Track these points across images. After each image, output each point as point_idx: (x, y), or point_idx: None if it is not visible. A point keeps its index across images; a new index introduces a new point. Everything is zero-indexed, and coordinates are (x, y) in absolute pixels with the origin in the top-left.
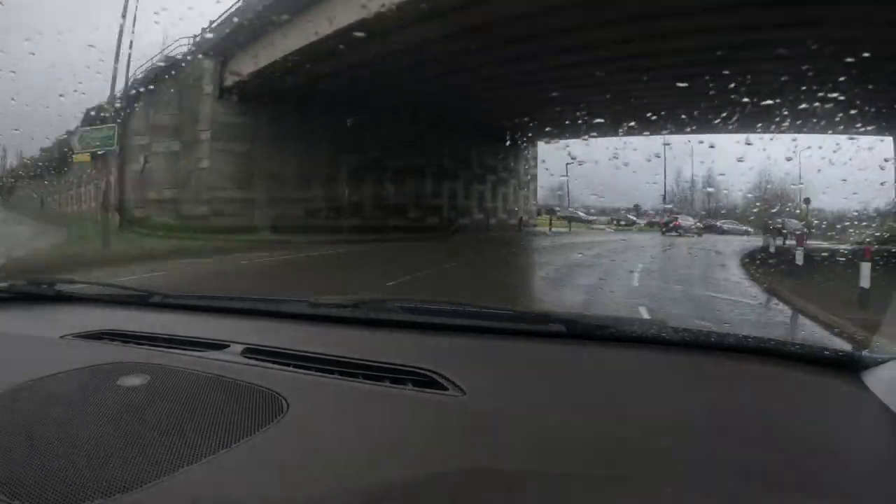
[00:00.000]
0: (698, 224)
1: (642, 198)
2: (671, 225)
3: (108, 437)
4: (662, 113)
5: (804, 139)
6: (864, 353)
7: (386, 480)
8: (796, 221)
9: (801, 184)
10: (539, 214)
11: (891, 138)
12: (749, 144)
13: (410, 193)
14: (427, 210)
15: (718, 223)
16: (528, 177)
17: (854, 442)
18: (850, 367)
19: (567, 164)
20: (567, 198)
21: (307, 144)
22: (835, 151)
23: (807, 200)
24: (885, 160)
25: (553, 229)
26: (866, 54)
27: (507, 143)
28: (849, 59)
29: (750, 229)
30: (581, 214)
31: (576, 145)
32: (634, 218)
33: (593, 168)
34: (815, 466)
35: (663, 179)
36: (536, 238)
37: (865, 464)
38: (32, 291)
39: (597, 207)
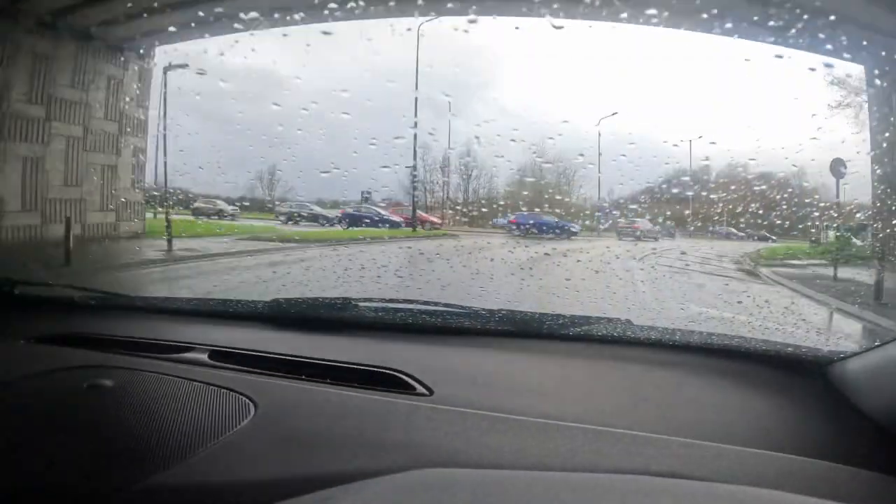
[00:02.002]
0: (656, 227)
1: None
2: (630, 228)
3: (76, 442)
4: None
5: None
6: (827, 349)
7: (353, 478)
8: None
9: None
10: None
11: (861, 67)
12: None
13: None
14: None
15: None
16: (126, 122)
17: (817, 436)
18: (813, 363)
19: (199, 73)
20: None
21: None
22: None
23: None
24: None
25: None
26: None
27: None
28: None
29: (575, 226)
30: (311, 209)
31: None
32: (383, 212)
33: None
34: (777, 461)
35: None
36: None
37: (828, 457)
38: None
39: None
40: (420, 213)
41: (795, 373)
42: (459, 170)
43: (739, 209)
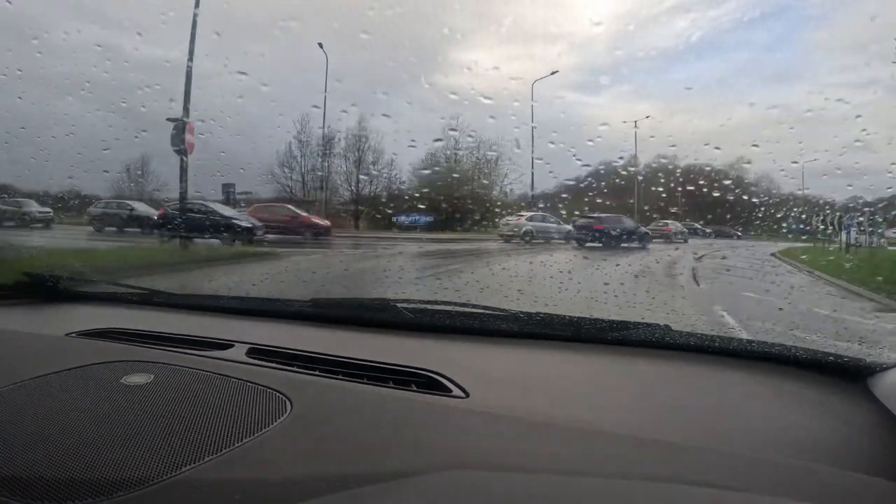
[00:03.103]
0: (683, 230)
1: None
2: (661, 230)
3: (114, 435)
4: None
5: None
6: (870, 358)
7: (386, 478)
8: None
9: None
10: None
11: None
12: None
13: None
14: None
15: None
16: None
17: (857, 449)
18: (855, 372)
19: None
20: None
21: None
22: None
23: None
24: None
25: None
26: None
27: None
28: None
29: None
30: (130, 209)
31: None
32: (224, 211)
33: None
34: (814, 474)
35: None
36: None
37: (867, 471)
38: (37, 289)
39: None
40: (297, 211)
41: (837, 382)
42: (349, 152)
43: (781, 213)
